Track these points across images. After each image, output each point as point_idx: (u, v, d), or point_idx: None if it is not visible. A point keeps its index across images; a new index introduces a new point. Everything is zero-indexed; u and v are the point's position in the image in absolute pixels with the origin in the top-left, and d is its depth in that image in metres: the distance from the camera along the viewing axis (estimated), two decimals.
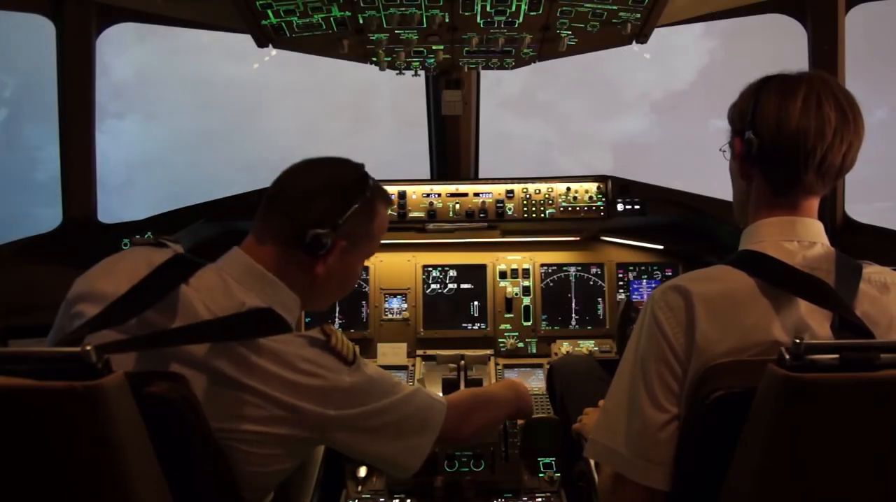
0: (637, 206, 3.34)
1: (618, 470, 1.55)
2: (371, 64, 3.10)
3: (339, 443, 1.66)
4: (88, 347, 1.16)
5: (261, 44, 2.82)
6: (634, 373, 1.56)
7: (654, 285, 3.63)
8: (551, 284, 3.65)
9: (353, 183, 1.73)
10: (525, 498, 2.66)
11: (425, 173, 3.86)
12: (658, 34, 2.83)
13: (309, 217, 1.65)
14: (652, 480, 1.50)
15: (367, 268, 3.64)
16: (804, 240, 1.59)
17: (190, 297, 1.53)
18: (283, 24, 2.67)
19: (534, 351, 3.57)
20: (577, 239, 3.68)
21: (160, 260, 1.58)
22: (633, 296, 3.63)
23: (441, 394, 2.77)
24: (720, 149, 1.82)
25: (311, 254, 1.66)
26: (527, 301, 3.61)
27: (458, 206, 3.38)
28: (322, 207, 1.67)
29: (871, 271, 1.57)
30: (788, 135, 1.54)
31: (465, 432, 1.98)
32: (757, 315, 1.47)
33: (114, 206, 3.36)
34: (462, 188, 3.41)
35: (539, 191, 3.39)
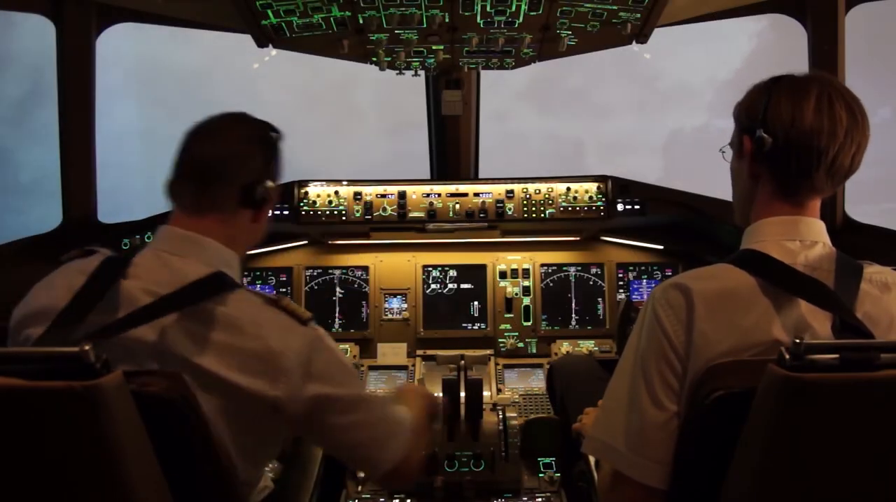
0: (637, 206, 3.34)
1: (616, 467, 1.55)
2: (371, 64, 3.10)
3: (299, 424, 1.65)
4: (87, 347, 1.17)
5: (261, 44, 2.82)
6: (635, 371, 1.56)
7: (654, 285, 3.63)
8: (551, 284, 3.65)
9: (270, 132, 1.79)
10: (525, 498, 2.66)
11: (415, 174, 3.80)
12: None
13: (248, 176, 1.70)
14: (650, 478, 1.50)
15: (367, 268, 3.64)
16: (806, 239, 1.60)
17: (129, 289, 1.54)
18: (283, 24, 2.67)
19: (534, 351, 3.57)
20: (577, 239, 3.68)
21: (94, 265, 1.59)
22: (633, 296, 3.63)
23: (441, 395, 2.79)
24: (720, 150, 1.83)
25: (259, 207, 1.74)
26: (527, 301, 3.61)
27: (458, 206, 3.38)
28: (257, 163, 1.72)
29: (872, 271, 1.58)
30: (802, 133, 1.55)
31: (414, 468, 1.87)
32: (757, 314, 1.47)
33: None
34: (462, 188, 3.41)
35: (539, 191, 3.39)
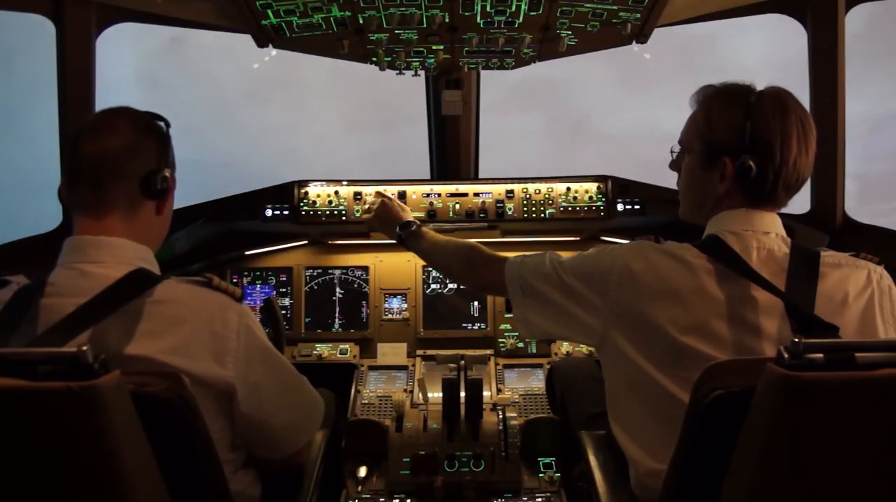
0: (637, 206, 3.34)
1: (508, 282, 2.01)
2: (371, 64, 3.10)
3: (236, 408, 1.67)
4: (85, 347, 1.17)
5: (261, 44, 2.82)
6: (561, 275, 1.87)
7: None
8: None
9: (155, 120, 1.78)
10: (525, 498, 2.66)
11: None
12: None
13: (144, 167, 1.69)
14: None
15: (367, 268, 3.64)
16: (758, 229, 1.73)
17: (51, 305, 1.51)
18: (283, 24, 2.67)
19: (534, 351, 3.57)
20: (577, 239, 3.68)
21: (8, 296, 1.56)
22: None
23: (440, 395, 2.79)
24: (671, 150, 1.94)
25: (162, 197, 1.74)
26: None
27: (458, 206, 3.38)
28: (150, 153, 1.71)
29: (826, 254, 1.71)
30: (787, 164, 1.70)
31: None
32: (701, 284, 1.65)
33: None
34: (462, 188, 3.41)
35: (539, 191, 3.39)
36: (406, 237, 2.49)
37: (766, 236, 1.71)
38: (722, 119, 1.74)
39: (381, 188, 3.36)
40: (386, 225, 2.62)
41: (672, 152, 1.97)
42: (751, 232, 1.72)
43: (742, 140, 1.69)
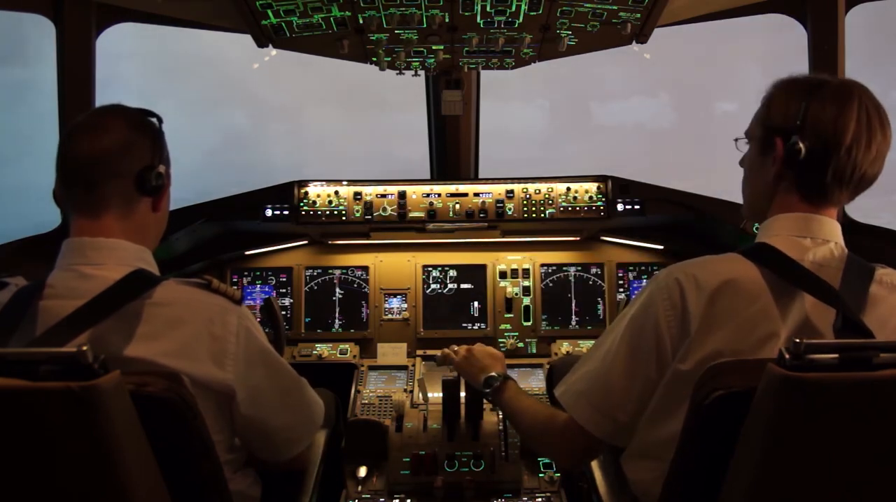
0: (637, 206, 3.34)
1: (578, 420, 1.68)
2: (371, 64, 3.10)
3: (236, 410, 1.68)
4: (85, 347, 1.16)
5: (261, 44, 2.82)
6: (620, 342, 1.65)
7: None
8: (551, 284, 3.65)
9: (147, 117, 1.76)
10: (525, 498, 2.65)
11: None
12: None
13: (138, 164, 1.67)
14: (602, 433, 1.65)
15: (366, 268, 3.64)
16: (818, 237, 1.61)
17: (49, 307, 1.52)
18: (283, 24, 2.67)
19: (534, 351, 3.57)
20: (577, 239, 3.68)
21: (7, 298, 1.56)
22: (633, 297, 3.62)
23: (440, 395, 2.79)
24: (734, 140, 1.83)
25: (158, 193, 1.73)
26: (527, 301, 3.61)
27: (458, 206, 3.38)
28: (144, 149, 1.69)
29: (884, 272, 1.58)
30: (842, 147, 1.56)
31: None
32: (759, 306, 1.50)
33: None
34: (462, 188, 3.41)
35: (539, 191, 3.39)
36: (490, 393, 2.24)
37: (822, 247, 1.59)
38: (781, 102, 1.66)
39: (381, 189, 3.35)
40: (470, 373, 2.44)
41: (736, 141, 1.86)
42: (809, 240, 1.60)
43: (794, 120, 1.59)
